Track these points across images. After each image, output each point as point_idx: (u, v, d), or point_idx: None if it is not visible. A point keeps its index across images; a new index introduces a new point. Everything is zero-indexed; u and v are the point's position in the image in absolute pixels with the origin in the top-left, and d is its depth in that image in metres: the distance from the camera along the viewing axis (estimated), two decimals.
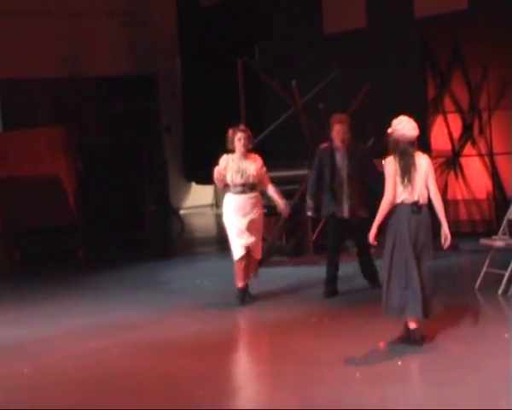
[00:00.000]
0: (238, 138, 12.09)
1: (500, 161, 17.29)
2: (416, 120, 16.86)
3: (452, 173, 17.76)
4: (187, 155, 23.91)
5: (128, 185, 21.30)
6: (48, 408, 8.63)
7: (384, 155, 10.06)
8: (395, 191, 9.57)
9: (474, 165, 17.61)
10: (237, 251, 12.24)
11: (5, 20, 21.40)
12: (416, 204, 9.59)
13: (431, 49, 17.80)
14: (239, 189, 12.09)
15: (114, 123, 22.75)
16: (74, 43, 21.93)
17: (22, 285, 15.96)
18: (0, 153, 17.95)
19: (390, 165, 9.62)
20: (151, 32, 23.17)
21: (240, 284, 12.42)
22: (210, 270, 16.26)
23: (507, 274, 11.87)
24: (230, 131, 12.23)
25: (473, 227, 16.93)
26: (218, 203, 24.31)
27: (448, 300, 11.87)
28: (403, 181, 9.58)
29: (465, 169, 17.68)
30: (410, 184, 9.57)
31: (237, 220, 12.13)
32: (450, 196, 17.80)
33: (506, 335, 10.09)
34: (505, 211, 12.94)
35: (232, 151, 12.26)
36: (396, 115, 15.63)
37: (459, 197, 17.78)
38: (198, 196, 24.49)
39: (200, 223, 23.43)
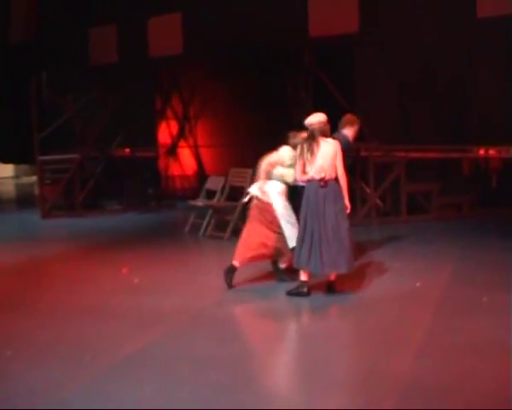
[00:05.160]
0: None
1: (202, 150, 17.93)
2: (149, 124, 17.48)
3: (172, 158, 18.13)
4: None
5: None
6: None
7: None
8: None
9: (185, 153, 18.19)
10: None
11: None
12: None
13: (158, 78, 18.04)
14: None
15: None
16: None
17: None
18: None
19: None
20: None
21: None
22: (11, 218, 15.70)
23: (204, 223, 12.30)
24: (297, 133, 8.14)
25: (184, 193, 17.46)
26: (17, 176, 23.40)
27: (169, 240, 12.10)
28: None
29: (180, 155, 18.26)
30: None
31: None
32: (170, 172, 18.24)
33: (203, 260, 10.38)
34: (204, 183, 13.35)
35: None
36: (134, 122, 16.06)
37: (176, 173, 18.23)
38: (2, 170, 23.39)
39: (3, 189, 22.33)
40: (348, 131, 9.01)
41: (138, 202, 15.89)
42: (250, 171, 11.97)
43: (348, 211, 7.77)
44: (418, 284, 8.17)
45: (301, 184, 7.98)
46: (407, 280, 8.44)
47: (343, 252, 7.63)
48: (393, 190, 13.05)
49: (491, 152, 13.48)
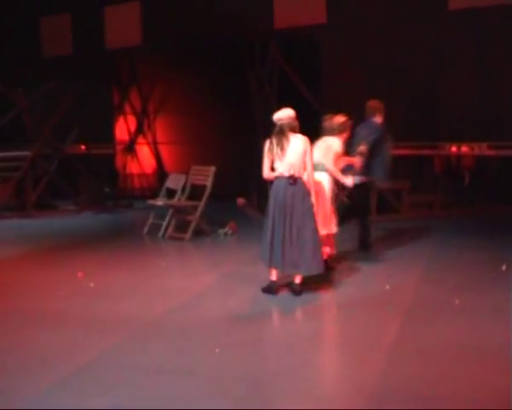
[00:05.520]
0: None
1: (162, 147, 17.90)
2: (106, 120, 17.34)
3: (129, 155, 18.06)
4: None
5: None
6: None
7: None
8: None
9: (144, 150, 18.14)
10: None
11: None
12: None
13: (116, 71, 17.93)
14: None
15: None
16: None
17: None
18: None
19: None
20: None
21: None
22: None
23: (164, 224, 12.23)
24: (332, 117, 8.96)
25: (143, 192, 17.41)
26: None
27: (126, 242, 11.99)
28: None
29: (138, 153, 18.19)
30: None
31: None
32: (128, 171, 18.16)
33: (163, 263, 10.18)
34: (164, 181, 13.27)
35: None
36: (90, 117, 15.88)
37: (134, 172, 18.16)
38: None
39: None
40: (379, 118, 9.30)
41: (94, 202, 15.75)
42: (212, 168, 11.94)
43: (314, 209, 7.79)
44: (388, 287, 8.21)
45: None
46: (377, 282, 8.48)
47: (306, 253, 7.69)
48: None
49: (464, 149, 13.59)
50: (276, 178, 7.78)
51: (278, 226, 7.72)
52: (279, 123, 7.76)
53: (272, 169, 7.85)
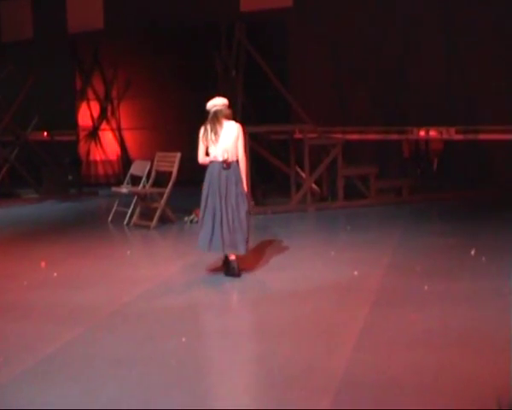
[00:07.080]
0: None
1: (126, 134, 17.75)
2: (68, 106, 17.17)
3: (93, 142, 17.92)
4: None
5: None
6: None
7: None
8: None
9: (108, 136, 18.00)
10: None
11: None
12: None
13: (78, 55, 17.76)
14: None
15: None
16: None
17: None
18: None
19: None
20: None
21: None
22: None
23: (129, 211, 12.23)
24: None
25: (107, 179, 17.27)
26: None
27: (91, 230, 11.90)
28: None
29: (102, 139, 18.09)
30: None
31: None
32: (91, 157, 18.02)
33: (128, 252, 10.12)
34: (129, 168, 13.24)
35: None
36: (52, 103, 15.73)
37: (98, 158, 18.02)
38: None
39: None
40: None
41: (57, 190, 15.65)
42: (178, 154, 11.91)
43: (245, 194, 8.24)
44: (356, 273, 8.25)
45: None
46: (343, 269, 8.48)
47: (242, 234, 8.17)
48: (330, 173, 13.14)
49: (432, 133, 13.71)
50: (211, 162, 8.17)
51: (212, 209, 8.09)
52: (213, 109, 8.16)
53: (207, 155, 8.22)
